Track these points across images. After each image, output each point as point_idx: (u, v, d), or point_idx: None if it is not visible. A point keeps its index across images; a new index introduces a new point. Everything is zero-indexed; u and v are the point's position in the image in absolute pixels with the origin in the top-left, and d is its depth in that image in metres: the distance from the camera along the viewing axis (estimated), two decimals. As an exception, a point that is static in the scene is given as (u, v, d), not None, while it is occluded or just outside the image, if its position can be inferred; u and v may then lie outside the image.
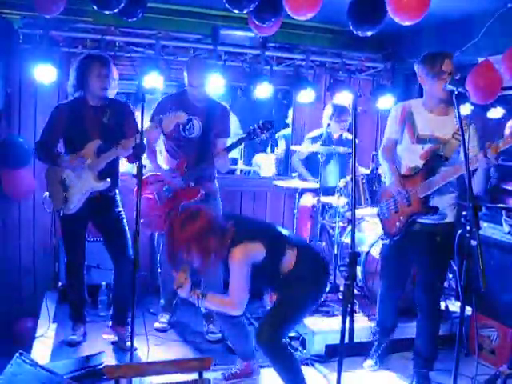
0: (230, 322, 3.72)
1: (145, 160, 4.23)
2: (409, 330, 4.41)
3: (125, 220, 4.35)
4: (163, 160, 4.64)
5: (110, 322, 4.45)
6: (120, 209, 4.35)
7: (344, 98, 5.58)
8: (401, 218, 3.82)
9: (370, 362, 4.27)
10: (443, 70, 3.56)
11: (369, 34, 4.46)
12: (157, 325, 4.77)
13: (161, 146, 4.69)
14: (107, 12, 4.20)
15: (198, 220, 3.25)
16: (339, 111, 5.68)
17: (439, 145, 3.65)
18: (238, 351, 3.99)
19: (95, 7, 4.17)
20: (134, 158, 3.97)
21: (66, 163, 4.10)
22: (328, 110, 5.75)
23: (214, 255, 3.28)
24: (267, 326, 3.40)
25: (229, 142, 4.60)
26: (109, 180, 4.13)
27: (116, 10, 4.20)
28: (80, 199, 4.11)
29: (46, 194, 4.27)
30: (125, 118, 4.24)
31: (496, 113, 5.69)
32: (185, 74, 4.47)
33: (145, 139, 3.64)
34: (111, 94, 4.23)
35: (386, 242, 4.09)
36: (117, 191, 4.36)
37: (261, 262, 3.32)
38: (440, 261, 3.80)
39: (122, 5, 4.17)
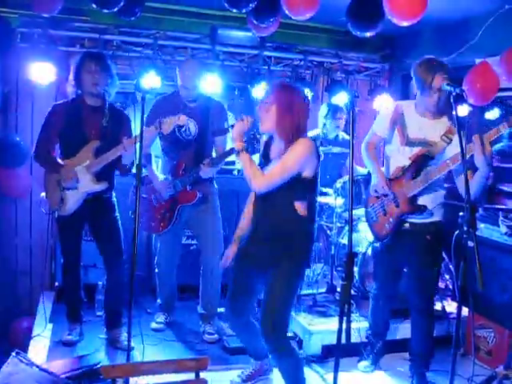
0: (240, 322, 3.66)
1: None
2: (403, 330, 4.42)
3: (120, 226, 4.33)
4: (160, 163, 4.62)
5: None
6: (116, 214, 4.33)
7: (341, 98, 5.58)
8: (390, 219, 3.86)
9: (364, 363, 4.27)
10: (433, 85, 3.55)
11: (368, 35, 4.47)
12: (153, 325, 4.77)
13: (156, 150, 4.63)
14: (106, 11, 4.19)
15: (304, 100, 3.30)
16: (333, 110, 5.69)
17: (428, 147, 3.69)
18: (250, 351, 3.95)
19: (94, 6, 4.17)
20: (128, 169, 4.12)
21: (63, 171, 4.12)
22: (323, 110, 5.76)
23: (286, 129, 3.24)
24: (270, 316, 3.34)
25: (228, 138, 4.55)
26: (106, 182, 4.13)
27: (115, 9, 4.20)
28: (76, 201, 4.11)
29: (43, 194, 4.26)
30: (122, 124, 4.22)
31: (493, 114, 5.69)
32: (177, 74, 4.40)
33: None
34: (111, 92, 4.18)
35: (377, 245, 4.13)
36: (113, 194, 4.35)
37: (302, 178, 3.23)
38: (431, 259, 3.83)
39: (122, 3, 4.17)
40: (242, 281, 3.51)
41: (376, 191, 3.96)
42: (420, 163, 3.70)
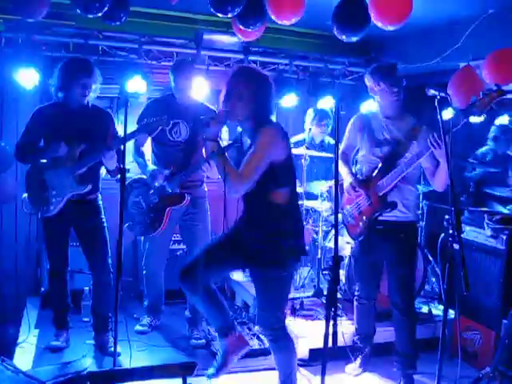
0: (201, 290, 3.45)
1: (129, 164, 4.20)
2: (391, 333, 4.43)
3: (106, 228, 4.31)
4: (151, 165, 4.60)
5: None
6: (102, 216, 4.31)
7: (327, 102, 5.60)
8: (364, 217, 3.96)
9: (352, 366, 4.28)
10: (382, 90, 3.80)
11: (354, 39, 4.47)
12: (137, 327, 4.77)
13: (149, 152, 4.64)
14: (91, 16, 4.18)
15: (268, 79, 3.29)
16: (320, 115, 5.72)
17: (395, 146, 3.82)
18: (214, 326, 3.60)
19: (79, 10, 4.16)
20: (116, 170, 4.05)
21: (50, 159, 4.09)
22: (310, 115, 5.77)
23: (257, 113, 3.21)
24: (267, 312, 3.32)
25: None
26: (90, 184, 4.11)
27: (99, 14, 4.19)
28: (60, 201, 4.09)
29: (25, 195, 4.23)
30: (107, 125, 4.22)
31: (478, 117, 5.73)
32: (170, 77, 4.42)
33: (130, 143, 3.62)
34: (91, 96, 4.18)
35: (352, 244, 4.27)
36: (99, 196, 4.33)
37: (274, 166, 3.16)
38: (406, 257, 3.93)
39: (106, 8, 4.16)
40: (217, 252, 3.42)
41: (349, 193, 4.06)
42: (388, 162, 3.82)
